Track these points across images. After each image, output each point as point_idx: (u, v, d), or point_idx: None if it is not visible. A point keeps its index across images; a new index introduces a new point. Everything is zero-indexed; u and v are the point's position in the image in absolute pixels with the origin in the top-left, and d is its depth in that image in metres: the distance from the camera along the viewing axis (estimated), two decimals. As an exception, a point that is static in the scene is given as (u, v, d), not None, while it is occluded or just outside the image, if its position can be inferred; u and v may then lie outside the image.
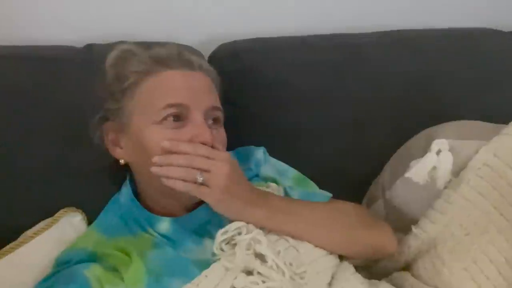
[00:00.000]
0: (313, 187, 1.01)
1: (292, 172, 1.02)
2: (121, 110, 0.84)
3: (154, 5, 1.14)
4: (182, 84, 0.83)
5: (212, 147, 0.80)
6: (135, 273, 0.77)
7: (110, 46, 0.89)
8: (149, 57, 0.85)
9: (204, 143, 0.79)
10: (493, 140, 1.00)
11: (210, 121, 0.85)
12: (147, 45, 0.88)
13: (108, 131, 0.87)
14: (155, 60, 0.84)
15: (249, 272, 0.77)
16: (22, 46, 0.97)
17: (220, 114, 0.87)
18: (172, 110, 0.81)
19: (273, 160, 1.03)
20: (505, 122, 1.08)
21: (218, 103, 0.87)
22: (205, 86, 0.86)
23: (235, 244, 0.78)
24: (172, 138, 0.79)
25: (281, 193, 0.93)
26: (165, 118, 0.80)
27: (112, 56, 0.86)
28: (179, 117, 0.81)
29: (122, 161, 0.87)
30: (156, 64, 0.84)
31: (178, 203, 0.86)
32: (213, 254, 0.79)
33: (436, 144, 0.99)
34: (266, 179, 0.97)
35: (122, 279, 0.77)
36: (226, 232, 0.79)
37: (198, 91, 0.83)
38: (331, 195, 0.99)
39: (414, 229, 0.98)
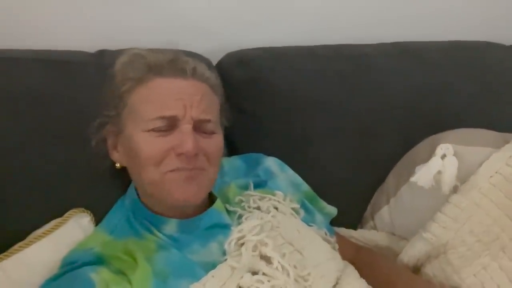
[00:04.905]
0: (322, 203, 1.05)
1: (305, 187, 1.04)
2: (118, 116, 0.85)
3: (164, 13, 1.17)
4: (171, 95, 0.82)
5: (196, 156, 0.80)
6: (142, 275, 0.77)
7: (120, 52, 0.90)
8: (144, 64, 0.85)
9: (182, 154, 0.79)
10: (504, 148, 1.00)
11: (200, 130, 0.83)
12: (155, 51, 0.89)
13: (109, 135, 0.88)
14: (148, 67, 0.84)
15: (254, 273, 0.77)
16: (36, 50, 0.99)
17: (210, 126, 0.85)
18: (158, 123, 0.81)
19: (290, 172, 1.05)
20: (507, 131, 1.10)
21: (208, 115, 0.84)
22: (196, 95, 0.83)
23: (242, 244, 0.79)
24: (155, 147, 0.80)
25: (287, 202, 0.95)
26: (152, 129, 0.81)
27: (120, 61, 0.88)
28: (166, 127, 0.81)
29: (118, 165, 0.88)
30: (148, 71, 0.84)
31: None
32: (221, 255, 0.81)
33: (441, 149, 1.00)
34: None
35: (129, 281, 0.77)
36: (241, 230, 0.81)
37: (187, 101, 0.82)
38: (336, 210, 1.06)
39: (424, 234, 0.98)
